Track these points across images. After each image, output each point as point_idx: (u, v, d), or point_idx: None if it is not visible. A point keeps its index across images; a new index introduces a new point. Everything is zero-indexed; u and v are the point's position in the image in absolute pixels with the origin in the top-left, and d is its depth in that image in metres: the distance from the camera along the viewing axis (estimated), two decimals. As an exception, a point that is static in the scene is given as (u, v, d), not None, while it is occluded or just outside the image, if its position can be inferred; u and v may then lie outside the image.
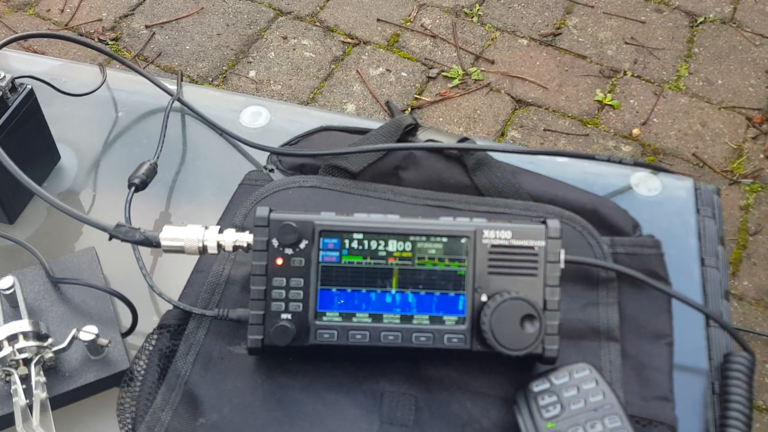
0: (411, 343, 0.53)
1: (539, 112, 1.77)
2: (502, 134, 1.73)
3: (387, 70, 1.87)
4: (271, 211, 0.54)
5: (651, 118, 1.75)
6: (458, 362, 0.56)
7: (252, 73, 1.87)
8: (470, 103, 1.79)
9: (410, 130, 0.71)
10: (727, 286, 0.65)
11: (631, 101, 1.79)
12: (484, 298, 0.53)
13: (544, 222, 0.55)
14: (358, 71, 1.86)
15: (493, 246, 0.54)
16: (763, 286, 1.48)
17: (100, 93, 0.79)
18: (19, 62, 0.83)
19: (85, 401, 0.56)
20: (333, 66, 1.88)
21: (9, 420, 0.53)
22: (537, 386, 0.51)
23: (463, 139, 0.69)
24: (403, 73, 1.86)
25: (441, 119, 1.76)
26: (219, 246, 0.56)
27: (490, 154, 0.68)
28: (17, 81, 0.65)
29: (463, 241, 0.54)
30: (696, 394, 0.57)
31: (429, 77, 1.85)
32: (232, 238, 0.56)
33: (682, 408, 0.55)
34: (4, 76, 0.64)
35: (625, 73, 1.85)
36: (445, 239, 0.54)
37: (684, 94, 1.80)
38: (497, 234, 0.54)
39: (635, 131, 1.72)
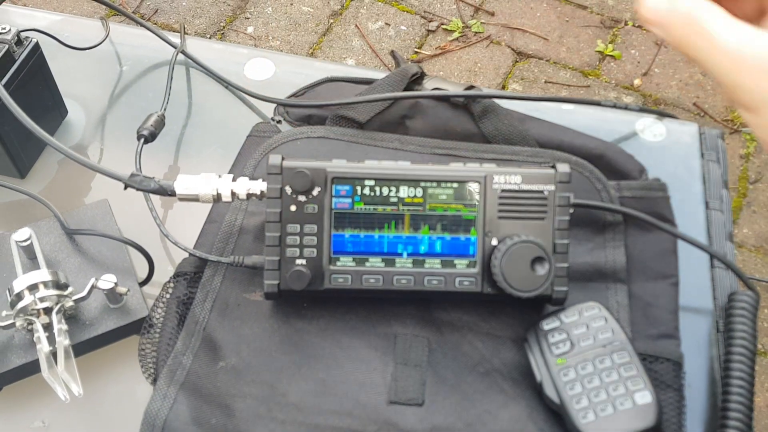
0: (423, 286, 0.54)
1: (540, 63, 1.76)
2: (503, 87, 1.72)
3: (386, 23, 1.85)
4: (283, 159, 0.54)
5: (652, 69, 1.74)
6: (469, 305, 0.57)
7: (250, 29, 1.85)
8: (470, 56, 1.78)
9: (416, 79, 0.71)
10: (731, 229, 0.66)
11: (633, 51, 1.78)
12: (494, 241, 0.54)
13: (553, 167, 0.55)
14: (356, 25, 1.84)
15: (503, 191, 0.54)
16: (762, 234, 1.49)
17: (104, 47, 0.79)
18: (20, 17, 0.83)
19: (106, 349, 0.57)
20: (331, 20, 1.86)
21: (33, 368, 0.54)
22: (547, 324, 0.52)
23: (470, 87, 0.69)
24: (403, 27, 1.84)
25: (441, 73, 1.75)
26: (233, 194, 0.56)
27: (497, 101, 0.69)
28: (22, 34, 0.64)
29: (473, 186, 0.54)
30: (701, 332, 0.59)
31: (428, 30, 1.83)
32: (246, 186, 0.56)
33: (688, 345, 0.56)
34: (9, 29, 0.63)
35: (626, 23, 1.83)
36: (455, 185, 0.55)
37: (685, 43, 1.79)
38: (507, 179, 0.55)
39: (636, 82, 1.72)
